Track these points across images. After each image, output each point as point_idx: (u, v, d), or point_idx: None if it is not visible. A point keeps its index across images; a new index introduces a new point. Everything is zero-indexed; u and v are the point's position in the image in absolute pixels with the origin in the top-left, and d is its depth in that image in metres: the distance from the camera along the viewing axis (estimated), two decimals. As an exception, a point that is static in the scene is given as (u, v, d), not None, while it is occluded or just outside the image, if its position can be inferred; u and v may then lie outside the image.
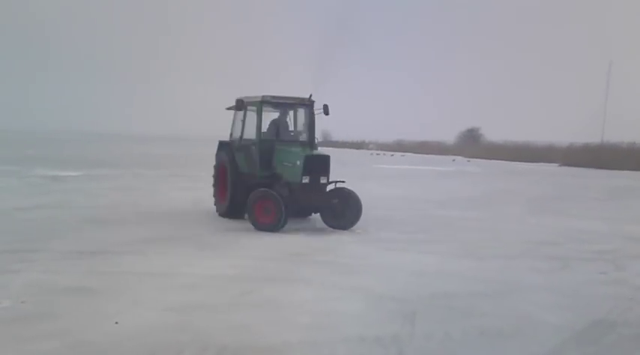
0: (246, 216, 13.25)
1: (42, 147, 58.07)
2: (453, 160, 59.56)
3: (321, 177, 12.88)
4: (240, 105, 13.79)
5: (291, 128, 14.42)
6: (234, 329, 6.34)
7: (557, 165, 54.61)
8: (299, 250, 10.81)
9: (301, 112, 14.26)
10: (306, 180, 12.68)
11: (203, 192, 17.77)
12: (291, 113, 14.35)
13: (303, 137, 14.11)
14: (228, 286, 8.09)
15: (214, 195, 15.15)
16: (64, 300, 7.26)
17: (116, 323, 6.43)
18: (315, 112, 13.78)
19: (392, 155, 72.85)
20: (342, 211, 13.42)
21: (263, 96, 13.46)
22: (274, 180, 13.24)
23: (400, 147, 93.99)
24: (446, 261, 10.34)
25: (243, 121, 14.17)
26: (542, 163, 56.45)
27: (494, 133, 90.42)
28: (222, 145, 14.87)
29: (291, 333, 6.29)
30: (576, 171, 46.48)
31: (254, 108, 13.83)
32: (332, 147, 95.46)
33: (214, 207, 14.96)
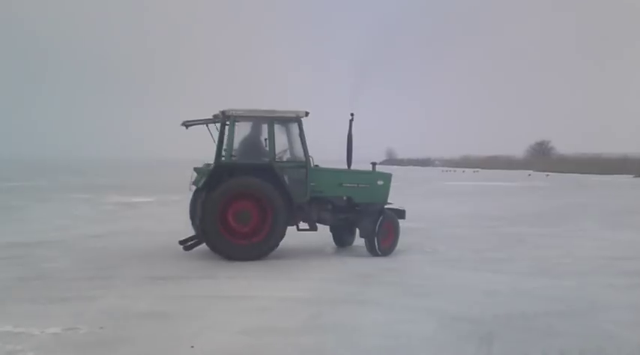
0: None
1: (111, 174, 59.70)
2: (529, 175, 58.23)
3: None
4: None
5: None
6: (305, 352, 6.33)
7: (632, 176, 52.91)
8: (367, 271, 10.77)
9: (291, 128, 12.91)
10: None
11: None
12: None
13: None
14: (298, 309, 8.10)
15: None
16: (140, 325, 7.39)
17: (192, 347, 6.49)
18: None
19: (463, 171, 71.87)
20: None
21: (305, 113, 12.55)
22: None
23: (467, 162, 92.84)
24: (519, 280, 10.11)
25: (271, 139, 12.40)
26: (616, 175, 54.80)
27: (564, 146, 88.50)
28: (228, 169, 12.21)
29: (364, 356, 6.24)
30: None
31: (293, 123, 12.68)
32: (397, 165, 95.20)
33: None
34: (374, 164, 13.89)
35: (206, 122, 12.96)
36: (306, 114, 12.48)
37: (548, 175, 57.43)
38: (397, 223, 12.81)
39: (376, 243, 12.40)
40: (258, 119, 12.49)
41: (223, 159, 12.30)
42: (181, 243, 12.70)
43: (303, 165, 12.41)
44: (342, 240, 13.78)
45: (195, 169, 12.70)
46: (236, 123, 12.23)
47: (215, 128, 12.90)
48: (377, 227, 12.41)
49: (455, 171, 74.12)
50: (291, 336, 6.90)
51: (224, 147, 12.38)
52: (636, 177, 52.17)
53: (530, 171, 63.22)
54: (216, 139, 12.66)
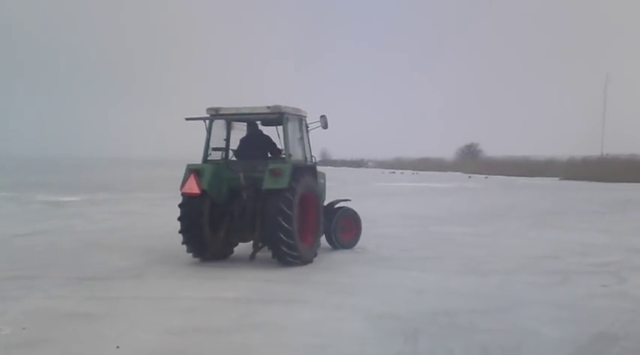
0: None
1: (41, 173, 58.14)
2: (470, 177, 59.18)
3: None
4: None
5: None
6: (233, 351, 6.33)
7: (557, 179, 54.57)
8: (297, 271, 10.79)
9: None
10: None
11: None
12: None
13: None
14: (227, 309, 8.09)
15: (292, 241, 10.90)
16: (64, 326, 7.26)
17: (117, 347, 6.41)
18: (311, 126, 12.69)
19: (402, 173, 72.60)
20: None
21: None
22: None
23: (399, 164, 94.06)
24: (446, 278, 10.31)
25: (307, 138, 12.50)
26: (542, 177, 56.41)
27: (493, 149, 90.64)
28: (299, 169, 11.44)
29: (291, 354, 6.27)
30: (577, 184, 46.44)
31: (302, 122, 12.43)
32: (331, 165, 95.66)
33: None
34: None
35: (208, 118, 11.88)
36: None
37: (487, 177, 58.50)
38: (357, 218, 13.48)
39: (335, 239, 13.05)
40: (298, 117, 12.17)
41: (209, 158, 11.83)
42: (251, 257, 11.66)
43: (314, 164, 12.63)
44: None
45: (194, 168, 11.39)
46: (288, 122, 11.64)
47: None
48: (334, 223, 12.92)
49: (394, 172, 74.80)
50: (219, 336, 6.88)
51: (285, 145, 11.53)
52: (562, 179, 53.81)
53: (470, 174, 64.24)
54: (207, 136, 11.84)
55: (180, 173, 11.54)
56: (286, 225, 10.67)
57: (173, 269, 10.88)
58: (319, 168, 12.70)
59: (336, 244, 13.14)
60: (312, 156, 12.64)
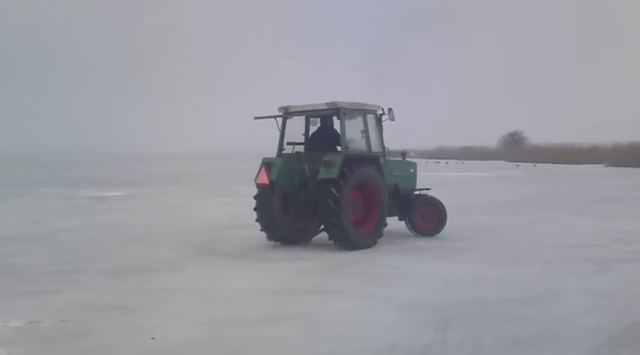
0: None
1: (83, 169, 59.28)
2: (517, 166, 58.28)
3: None
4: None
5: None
6: (266, 342, 6.40)
7: (603, 165, 53.48)
8: (333, 262, 10.87)
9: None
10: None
11: (238, 207, 17.96)
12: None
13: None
14: (262, 300, 8.19)
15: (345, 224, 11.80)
16: (103, 318, 7.43)
17: (152, 338, 6.54)
18: (383, 119, 13.48)
19: (446, 162, 71.85)
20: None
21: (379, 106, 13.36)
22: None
23: (442, 153, 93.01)
24: (482, 268, 10.25)
25: (367, 131, 12.91)
26: (587, 165, 55.36)
27: (537, 136, 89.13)
28: (358, 159, 12.26)
29: (323, 345, 6.32)
30: (622, 171, 45.45)
31: (372, 115, 13.23)
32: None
33: (250, 222, 14.37)
34: (404, 154, 15.17)
35: (275, 116, 13.19)
36: (379, 107, 13.33)
37: (535, 166, 57.46)
38: (440, 207, 13.87)
39: (412, 225, 13.73)
40: (358, 112, 12.88)
41: (284, 152, 13.01)
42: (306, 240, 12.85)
43: (383, 155, 13.26)
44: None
45: (267, 162, 12.58)
46: (345, 116, 12.46)
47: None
48: (414, 211, 13.68)
49: (439, 162, 73.92)
50: (253, 326, 6.96)
51: (291, 140, 13.07)
52: (607, 166, 52.74)
53: (518, 163, 63.14)
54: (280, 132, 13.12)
55: (210, 167, 11.95)
56: (336, 209, 11.52)
57: (209, 261, 11.05)
58: (411, 159, 14.62)
59: (415, 231, 13.73)
60: (383, 148, 13.35)
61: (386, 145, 13.51)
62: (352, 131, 12.64)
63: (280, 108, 13.09)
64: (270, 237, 12.68)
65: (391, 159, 13.74)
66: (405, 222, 13.87)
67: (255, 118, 13.34)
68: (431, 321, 7.04)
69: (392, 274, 9.83)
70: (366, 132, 12.80)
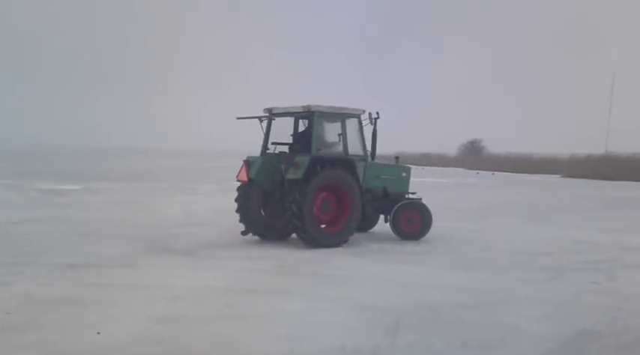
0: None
1: (42, 161, 58.19)
2: (477, 173, 58.79)
3: None
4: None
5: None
6: (214, 341, 6.33)
7: (559, 176, 54.38)
8: (285, 262, 10.83)
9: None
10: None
11: (196, 205, 17.82)
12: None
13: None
14: (212, 298, 8.09)
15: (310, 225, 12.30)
16: (49, 311, 7.29)
17: (98, 333, 6.44)
18: (364, 122, 13.71)
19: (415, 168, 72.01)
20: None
21: (363, 110, 13.60)
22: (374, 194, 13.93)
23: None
24: (435, 272, 10.31)
25: (344, 134, 13.26)
26: (544, 175, 56.22)
27: (496, 145, 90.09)
28: (327, 161, 12.54)
29: (271, 344, 6.28)
30: (578, 182, 46.29)
31: (354, 119, 13.53)
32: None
33: (207, 220, 14.65)
34: (397, 157, 15.65)
35: (260, 117, 13.66)
36: (364, 111, 13.54)
37: (493, 174, 58.06)
38: (425, 211, 14.08)
39: (395, 228, 13.93)
40: (335, 115, 13.20)
41: (268, 151, 13.48)
42: (243, 233, 13.18)
43: (363, 158, 13.56)
44: (364, 226, 14.50)
45: (247, 161, 13.22)
46: (319, 119, 12.88)
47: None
48: (393, 214, 13.91)
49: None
50: (202, 325, 6.89)
51: (277, 140, 13.49)
52: (563, 176, 53.63)
53: (478, 170, 63.77)
54: (264, 132, 13.63)
55: (183, 164, 11.90)
56: (297, 212, 12.04)
57: (162, 258, 10.92)
58: (406, 164, 15.20)
59: (398, 234, 13.95)
60: (365, 151, 13.66)
61: (369, 149, 13.74)
62: (328, 134, 13.26)
63: (265, 110, 13.55)
64: (245, 231, 13.09)
65: (379, 162, 14.24)
66: (390, 225, 14.11)
67: (237, 118, 13.86)
68: (381, 323, 7.06)
69: (345, 275, 9.81)
70: (343, 135, 13.14)
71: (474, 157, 79.23)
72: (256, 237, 13.39)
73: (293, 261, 10.93)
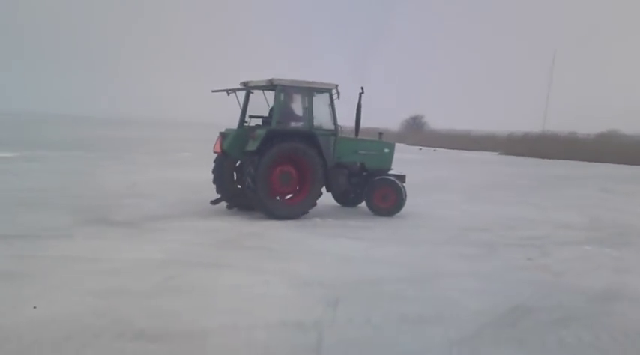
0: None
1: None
2: (420, 149, 59.29)
3: None
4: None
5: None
6: (154, 315, 6.29)
7: (497, 153, 55.46)
8: (228, 236, 10.79)
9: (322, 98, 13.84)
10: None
11: (138, 175, 17.56)
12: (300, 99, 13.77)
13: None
14: (153, 271, 8.03)
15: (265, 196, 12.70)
16: (-18, 285, 7.10)
17: (34, 307, 6.32)
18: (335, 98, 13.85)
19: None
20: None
21: (335, 85, 13.69)
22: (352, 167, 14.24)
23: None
24: (375, 247, 10.46)
25: (310, 108, 13.37)
26: (483, 152, 57.27)
27: (437, 122, 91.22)
28: (277, 134, 12.77)
29: (212, 318, 6.27)
30: (515, 159, 47.32)
31: (324, 94, 13.65)
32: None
33: (148, 191, 14.61)
34: (380, 133, 15.82)
35: (234, 90, 13.97)
36: (336, 86, 13.63)
37: (435, 150, 58.67)
38: (398, 187, 14.20)
39: (369, 204, 14.26)
40: (299, 89, 13.35)
41: (246, 124, 13.75)
42: (213, 203, 13.77)
43: (333, 133, 13.69)
44: (346, 201, 15.31)
45: (222, 133, 13.70)
46: (281, 93, 13.09)
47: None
48: (367, 190, 14.21)
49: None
50: (141, 298, 6.83)
51: (255, 113, 13.71)
52: (501, 154, 54.73)
53: (421, 146, 64.36)
54: (242, 106, 13.98)
55: (123, 132, 11.69)
56: (251, 183, 12.47)
57: (102, 230, 10.74)
58: (389, 140, 15.49)
59: (372, 209, 14.20)
60: (335, 126, 13.79)
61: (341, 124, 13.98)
62: (295, 108, 13.53)
63: (240, 83, 13.90)
64: (216, 200, 13.77)
65: (355, 137, 14.39)
66: (365, 200, 14.40)
67: (213, 91, 14.17)
68: (322, 298, 7.14)
69: (287, 250, 9.86)
70: (309, 109, 13.32)
71: (416, 133, 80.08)
72: (201, 209, 13.41)
73: (236, 235, 10.91)
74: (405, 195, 14.25)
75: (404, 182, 14.55)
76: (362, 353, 5.64)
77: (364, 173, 14.44)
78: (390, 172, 14.73)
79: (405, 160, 39.65)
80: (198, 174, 19.54)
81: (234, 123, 13.92)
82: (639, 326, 6.91)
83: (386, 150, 14.84)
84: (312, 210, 13.38)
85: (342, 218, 13.34)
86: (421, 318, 6.67)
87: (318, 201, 13.30)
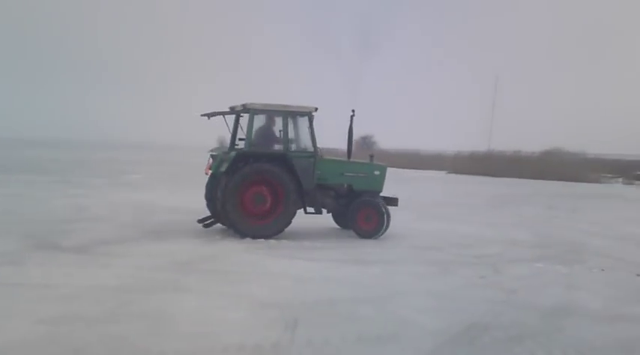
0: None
1: None
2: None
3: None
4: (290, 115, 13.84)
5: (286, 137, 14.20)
6: (109, 341, 6.18)
7: (445, 172, 56.22)
8: (184, 259, 10.66)
9: (301, 121, 14.17)
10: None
11: (87, 199, 17.24)
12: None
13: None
14: (108, 297, 7.88)
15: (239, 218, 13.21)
16: None
17: (-17, 337, 6.14)
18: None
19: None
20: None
21: (315, 108, 13.95)
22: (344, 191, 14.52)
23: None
24: (330, 268, 10.49)
25: (285, 131, 13.74)
26: (431, 170, 57.99)
27: (387, 141, 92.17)
28: (248, 157, 13.30)
29: (169, 343, 6.20)
30: (463, 178, 48.06)
31: (303, 117, 13.97)
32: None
33: (99, 214, 14.47)
34: (372, 156, 15.64)
35: (223, 113, 14.33)
36: (316, 109, 13.94)
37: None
38: (380, 209, 14.29)
39: (353, 226, 14.33)
40: (274, 113, 13.77)
41: (237, 147, 14.00)
42: (200, 221, 14.22)
43: (312, 155, 13.86)
44: (345, 223, 15.18)
45: (212, 155, 14.21)
46: (255, 116, 13.49)
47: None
48: (350, 212, 14.30)
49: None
50: (96, 325, 6.70)
51: (244, 137, 13.56)
52: (449, 172, 55.51)
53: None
54: (232, 129, 14.32)
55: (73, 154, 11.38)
56: (220, 204, 13.12)
57: (53, 255, 10.49)
58: (382, 162, 15.60)
59: (357, 232, 14.24)
60: (314, 148, 13.92)
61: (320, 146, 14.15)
62: (267, 131, 13.92)
63: (230, 107, 14.30)
64: (205, 220, 14.25)
65: (345, 160, 14.68)
66: (349, 222, 14.46)
67: (201, 115, 14.36)
68: (280, 320, 7.12)
69: (242, 272, 9.79)
70: (284, 132, 13.62)
71: (366, 152, 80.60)
72: (154, 232, 13.36)
73: (192, 258, 10.79)
74: (388, 217, 14.32)
75: (395, 204, 14.90)
76: (322, 374, 5.64)
77: (352, 194, 14.56)
78: (381, 195, 14.90)
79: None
80: (150, 196, 19.35)
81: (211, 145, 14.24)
82: (590, 341, 7.07)
83: (376, 172, 14.96)
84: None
85: (297, 239, 13.31)
86: (378, 338, 6.71)
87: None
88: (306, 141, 14.09)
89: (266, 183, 13.27)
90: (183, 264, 10.22)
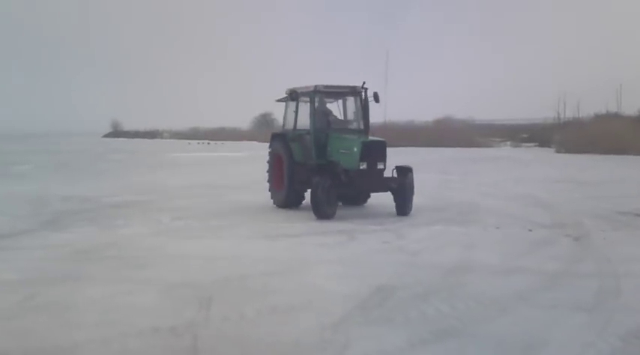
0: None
1: None
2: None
3: (378, 163, 13.67)
4: (294, 95, 14.57)
5: (342, 116, 15.19)
6: (16, 335, 5.96)
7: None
8: (85, 247, 10.33)
9: (352, 100, 14.94)
10: (363, 166, 13.38)
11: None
12: (341, 101, 15.20)
13: (355, 125, 14.84)
14: (9, 292, 7.55)
15: (270, 187, 15.47)
16: None
17: None
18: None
19: (198, 143, 72.25)
20: (402, 195, 13.90)
21: (316, 86, 14.20)
22: (330, 167, 13.87)
23: (196, 134, 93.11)
24: (239, 244, 10.56)
25: (296, 112, 14.78)
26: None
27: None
28: (275, 136, 15.33)
29: (80, 332, 6.02)
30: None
31: (307, 98, 14.51)
32: (123, 137, 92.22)
33: None
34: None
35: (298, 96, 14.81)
36: (314, 87, 14.33)
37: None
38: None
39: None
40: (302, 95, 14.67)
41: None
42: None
43: (308, 132, 14.34)
44: (353, 199, 15.45)
45: (278, 135, 15.29)
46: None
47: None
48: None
49: (190, 143, 73.89)
50: (2, 321, 6.44)
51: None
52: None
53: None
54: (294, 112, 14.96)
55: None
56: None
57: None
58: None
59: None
60: (312, 124, 14.25)
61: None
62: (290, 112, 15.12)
63: (286, 91, 14.86)
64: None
65: (337, 135, 14.23)
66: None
67: (276, 101, 15.80)
68: (193, 300, 7.06)
69: (149, 256, 9.63)
70: (296, 112, 14.68)
71: (266, 130, 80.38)
72: (51, 222, 12.93)
73: (93, 246, 10.46)
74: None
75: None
76: (242, 348, 5.66)
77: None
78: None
79: (255, 157, 39.96)
80: (43, 187, 18.63)
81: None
82: (490, 293, 7.45)
83: (355, 149, 13.74)
84: (170, 215, 13.27)
85: (202, 219, 13.21)
86: (292, 308, 6.81)
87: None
88: (305, 120, 14.57)
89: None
90: (85, 253, 9.91)
